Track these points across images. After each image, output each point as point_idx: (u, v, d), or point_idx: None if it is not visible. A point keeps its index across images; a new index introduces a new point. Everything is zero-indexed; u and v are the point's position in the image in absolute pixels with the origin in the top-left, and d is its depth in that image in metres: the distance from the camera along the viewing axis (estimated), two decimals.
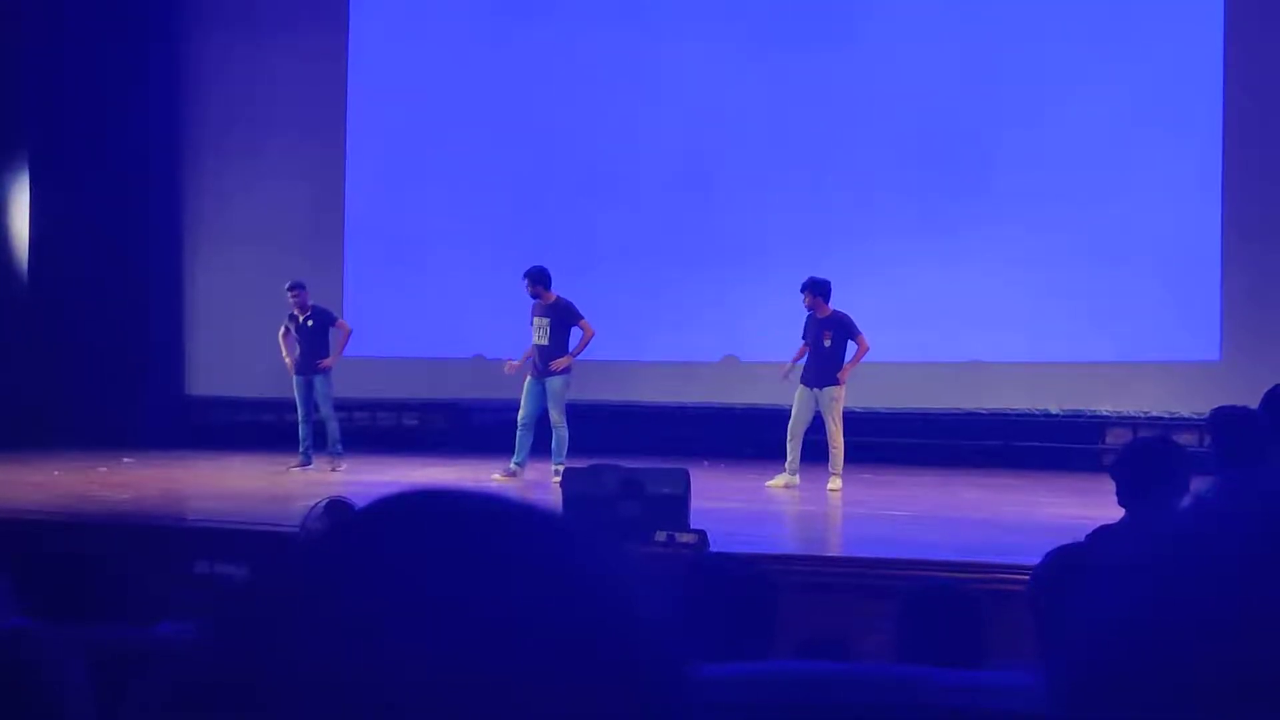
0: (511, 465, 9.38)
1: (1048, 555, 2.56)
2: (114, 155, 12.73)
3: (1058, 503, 8.35)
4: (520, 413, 9.42)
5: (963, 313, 11.03)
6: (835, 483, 9.02)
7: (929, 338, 11.03)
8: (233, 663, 0.56)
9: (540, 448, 9.42)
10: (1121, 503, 3.59)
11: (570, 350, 9.38)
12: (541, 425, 9.42)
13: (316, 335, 10.17)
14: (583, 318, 9.38)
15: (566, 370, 9.37)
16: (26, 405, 12.04)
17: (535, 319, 9.42)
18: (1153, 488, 3.54)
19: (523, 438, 9.39)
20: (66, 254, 12.63)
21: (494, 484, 9.16)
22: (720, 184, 11.83)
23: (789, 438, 9.14)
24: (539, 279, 9.42)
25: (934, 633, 2.89)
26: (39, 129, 12.76)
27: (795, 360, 9.29)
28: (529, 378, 9.43)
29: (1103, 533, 3.63)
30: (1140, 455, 3.66)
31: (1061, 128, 11.00)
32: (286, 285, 10.27)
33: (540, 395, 9.38)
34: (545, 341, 9.35)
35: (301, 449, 10.14)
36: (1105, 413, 10.78)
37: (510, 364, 9.58)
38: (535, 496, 8.26)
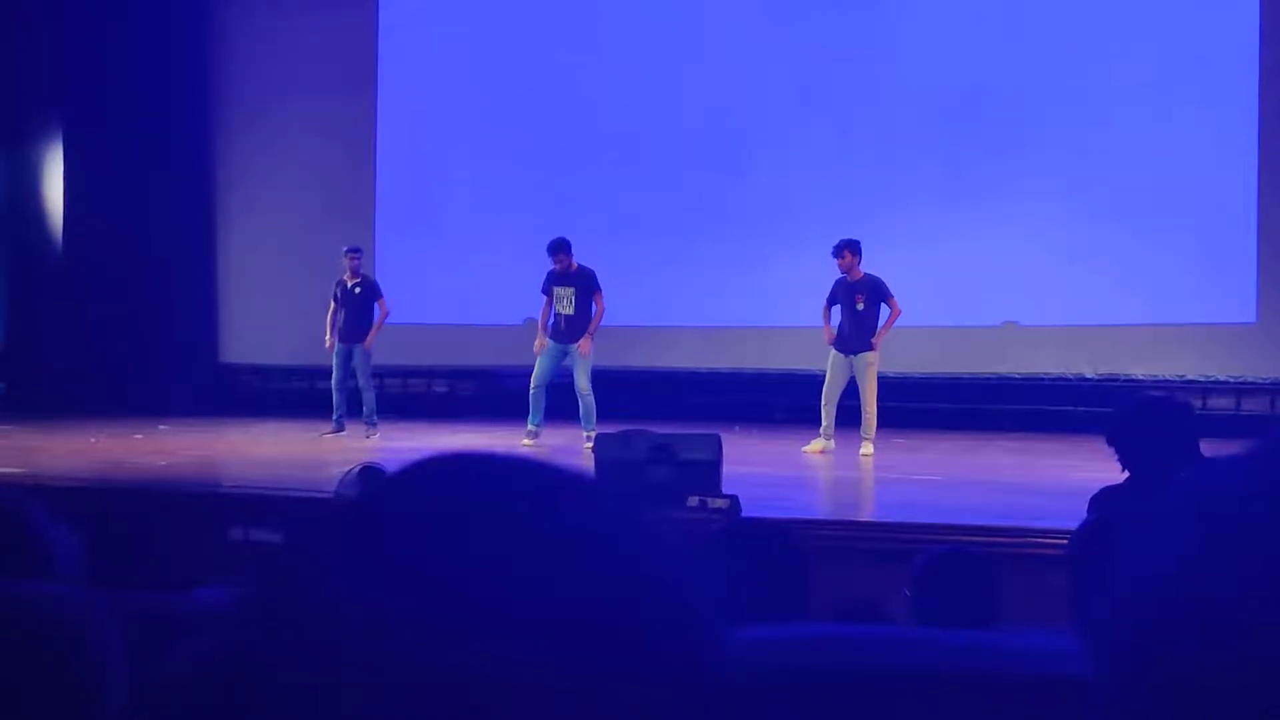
0: (530, 427, 9.45)
1: (1087, 517, 2.54)
2: (146, 124, 12.79)
3: (1091, 467, 8.28)
4: (535, 374, 9.49)
5: (996, 276, 10.96)
6: (867, 448, 9.00)
7: (961, 302, 10.97)
8: (270, 627, 0.56)
9: (563, 413, 9.46)
10: (1125, 465, 3.55)
11: (589, 325, 9.43)
12: (563, 392, 9.46)
13: (363, 304, 10.23)
14: (600, 290, 9.44)
15: (587, 352, 9.44)
16: (63, 374, 12.17)
17: (558, 288, 9.47)
18: (1156, 448, 3.49)
19: (536, 398, 9.47)
20: (100, 223, 12.71)
21: (522, 448, 9.23)
22: (749, 149, 11.77)
23: (824, 403, 9.11)
24: (568, 249, 9.46)
25: (947, 597, 2.89)
26: (72, 99, 12.83)
27: (830, 326, 9.23)
28: (550, 342, 9.47)
29: (1106, 494, 3.59)
30: (1141, 415, 3.61)
31: (1095, 89, 10.88)
32: (344, 249, 10.32)
33: (558, 359, 9.44)
34: (571, 310, 9.42)
35: (335, 415, 10.20)
36: (1140, 376, 10.70)
37: (540, 342, 9.60)
38: (568, 461, 8.28)
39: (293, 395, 12.14)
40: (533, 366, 9.61)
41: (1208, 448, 3.50)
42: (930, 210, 11.12)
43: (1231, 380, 10.56)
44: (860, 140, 11.48)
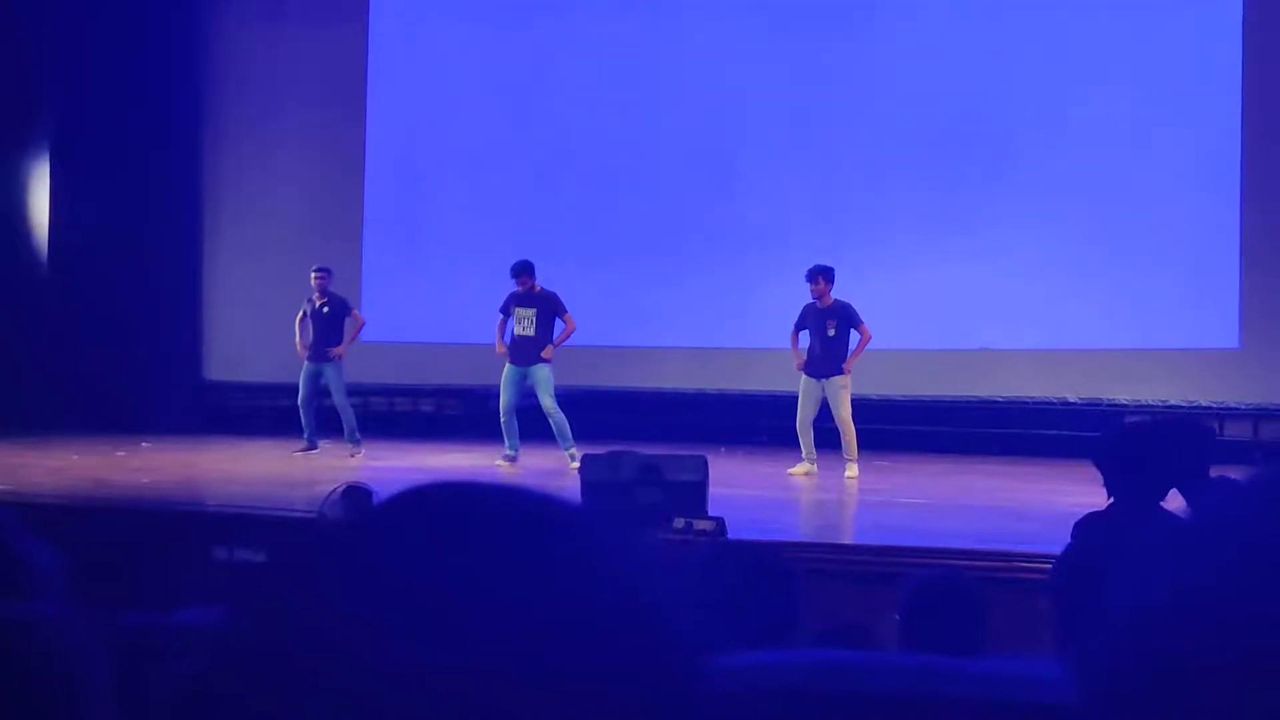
0: (508, 452, 9.47)
1: (1070, 543, 2.54)
2: (133, 142, 12.77)
3: (1074, 491, 8.31)
4: (502, 401, 9.56)
5: (980, 300, 11.00)
6: (852, 469, 9.02)
7: (946, 325, 11.00)
8: (257, 650, 0.55)
9: (541, 435, 9.47)
10: (1109, 491, 3.55)
11: (553, 341, 9.48)
12: (536, 416, 9.49)
13: (331, 322, 10.20)
14: (567, 310, 9.48)
15: (549, 359, 9.46)
16: (45, 390, 12.10)
17: (518, 309, 9.54)
18: (1140, 473, 3.49)
19: (508, 425, 9.55)
20: (85, 240, 12.68)
21: (502, 470, 9.26)
22: (737, 172, 11.82)
23: (800, 430, 9.13)
24: (531, 271, 9.52)
25: (937, 623, 2.89)
26: (59, 116, 12.81)
27: (798, 349, 9.26)
28: (509, 365, 9.53)
29: (1090, 520, 3.59)
30: (1126, 441, 3.61)
31: (1079, 115, 10.95)
32: (313, 267, 10.32)
33: (519, 382, 9.49)
34: (531, 332, 9.48)
35: (305, 434, 10.20)
36: (1123, 401, 10.74)
37: (501, 346, 9.66)
38: (556, 484, 8.28)
39: (277, 413, 12.09)
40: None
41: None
42: (916, 234, 11.17)
43: (1214, 405, 10.60)
44: (846, 165, 11.53)
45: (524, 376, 9.49)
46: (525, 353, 9.49)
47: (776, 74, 11.73)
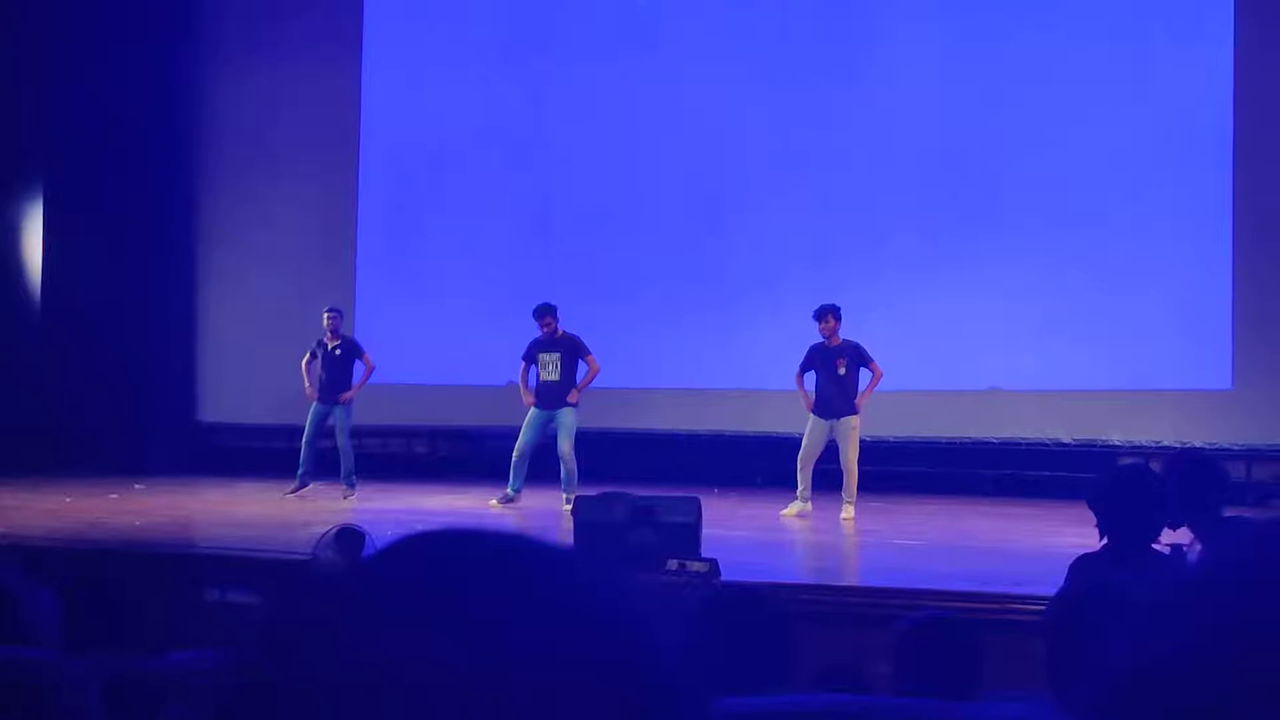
0: (509, 492, 9.46)
1: (1064, 585, 2.54)
2: (126, 182, 12.80)
3: (1068, 532, 8.30)
4: (521, 440, 9.51)
5: (973, 341, 11.02)
6: (849, 511, 8.98)
7: (939, 366, 11.01)
8: (255, 696, 0.56)
9: (541, 476, 9.46)
10: (1103, 533, 3.56)
11: (578, 384, 9.46)
12: (544, 455, 9.47)
13: (342, 365, 10.20)
14: (590, 352, 9.48)
15: (576, 404, 9.44)
16: (39, 431, 12.07)
17: (543, 354, 9.52)
18: (1135, 517, 3.51)
19: (519, 465, 9.50)
20: (79, 280, 12.67)
21: (493, 510, 9.24)
22: (730, 213, 11.86)
23: (800, 467, 9.10)
24: (553, 312, 9.52)
25: (931, 665, 2.88)
26: (53, 155, 12.84)
27: (805, 391, 9.23)
28: (533, 409, 9.50)
29: (1085, 562, 3.60)
30: (1120, 484, 3.63)
31: (1071, 157, 11.01)
32: (325, 308, 10.32)
33: (544, 427, 9.46)
34: (556, 377, 9.47)
35: (299, 473, 10.18)
36: (1117, 442, 10.74)
37: (529, 399, 9.62)
38: (549, 527, 8.26)
39: (271, 454, 12.06)
40: (515, 427, 9.61)
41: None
42: (909, 276, 11.20)
43: (1207, 447, 10.60)
44: (841, 206, 11.58)
45: (549, 420, 9.48)
46: (551, 398, 9.48)
47: (769, 116, 11.80)
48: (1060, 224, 10.98)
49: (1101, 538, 3.55)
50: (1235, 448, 10.52)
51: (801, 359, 9.25)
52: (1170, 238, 10.73)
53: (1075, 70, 11.11)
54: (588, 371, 9.54)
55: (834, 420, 9.01)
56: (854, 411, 9.00)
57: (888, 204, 11.42)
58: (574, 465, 9.31)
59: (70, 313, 12.65)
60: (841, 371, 9.04)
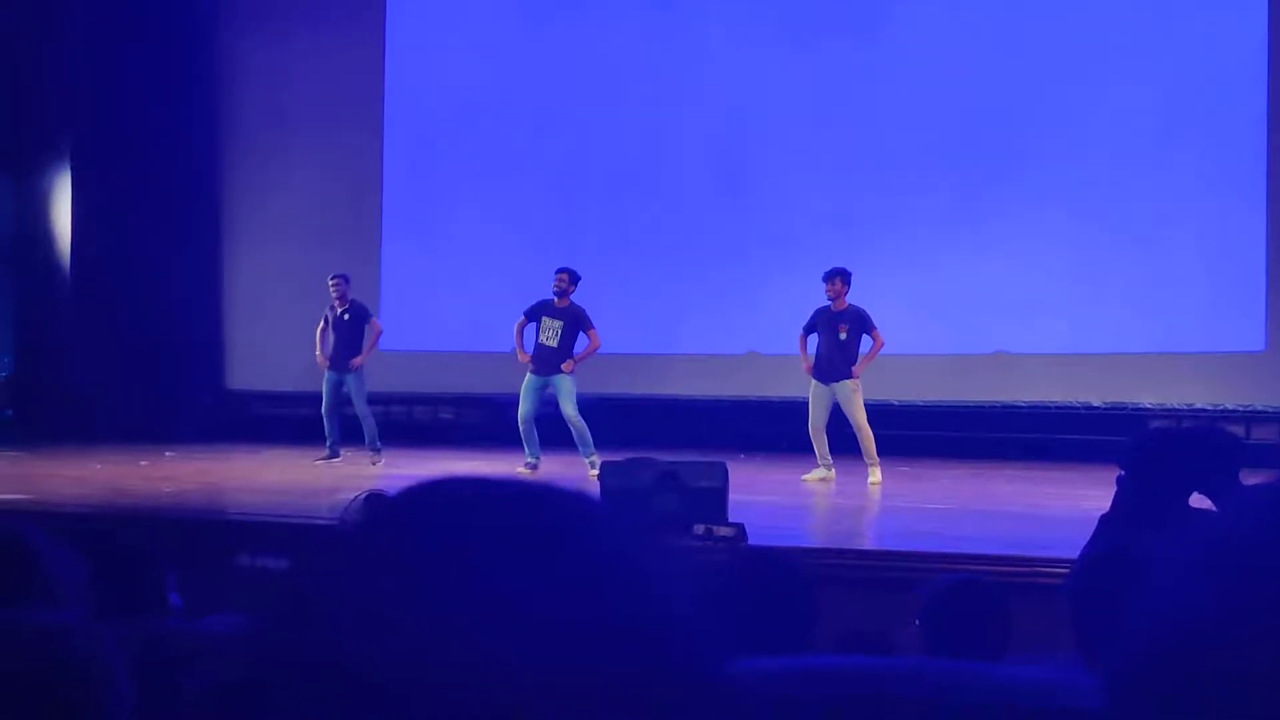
0: (530, 460, 9.47)
1: (1087, 550, 2.52)
2: (153, 153, 12.84)
3: (1098, 496, 8.26)
4: (521, 410, 9.52)
5: (1001, 304, 10.95)
6: (875, 474, 8.95)
7: (967, 329, 10.96)
8: (276, 656, 0.56)
9: (560, 442, 9.47)
10: (1134, 493, 3.53)
11: (575, 355, 9.47)
12: (557, 422, 9.48)
13: (352, 330, 10.21)
14: (594, 327, 9.48)
15: (572, 372, 9.46)
16: (68, 400, 12.18)
17: (547, 318, 9.51)
18: (1164, 478, 3.48)
19: (527, 432, 9.52)
20: (107, 250, 12.75)
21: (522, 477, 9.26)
22: (750, 177, 11.81)
23: (813, 434, 9.05)
24: (574, 279, 9.51)
25: (958, 628, 2.88)
26: (80, 127, 12.89)
27: (806, 353, 9.19)
28: (530, 375, 9.52)
29: (1109, 521, 3.57)
30: (1151, 446, 3.59)
31: (1101, 115, 10.89)
32: (330, 276, 10.34)
33: (539, 391, 9.49)
34: (555, 344, 9.47)
35: (329, 442, 10.22)
36: (1148, 405, 10.67)
37: (523, 354, 9.64)
38: (569, 483, 8.26)
39: (299, 421, 12.12)
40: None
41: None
42: (935, 237, 11.13)
43: (1240, 409, 10.52)
44: (861, 168, 11.50)
45: (545, 386, 9.50)
46: (547, 363, 9.50)
47: (789, 76, 11.72)
48: (1090, 184, 10.87)
49: (1119, 499, 3.53)
50: (1269, 410, 10.44)
51: (806, 320, 9.21)
52: (1203, 197, 10.61)
53: (1102, 22, 10.96)
54: (588, 345, 9.53)
55: (832, 384, 8.96)
56: (850, 376, 8.93)
57: (909, 166, 11.34)
58: (583, 424, 9.34)
59: (99, 282, 12.73)
60: (843, 336, 8.98)
